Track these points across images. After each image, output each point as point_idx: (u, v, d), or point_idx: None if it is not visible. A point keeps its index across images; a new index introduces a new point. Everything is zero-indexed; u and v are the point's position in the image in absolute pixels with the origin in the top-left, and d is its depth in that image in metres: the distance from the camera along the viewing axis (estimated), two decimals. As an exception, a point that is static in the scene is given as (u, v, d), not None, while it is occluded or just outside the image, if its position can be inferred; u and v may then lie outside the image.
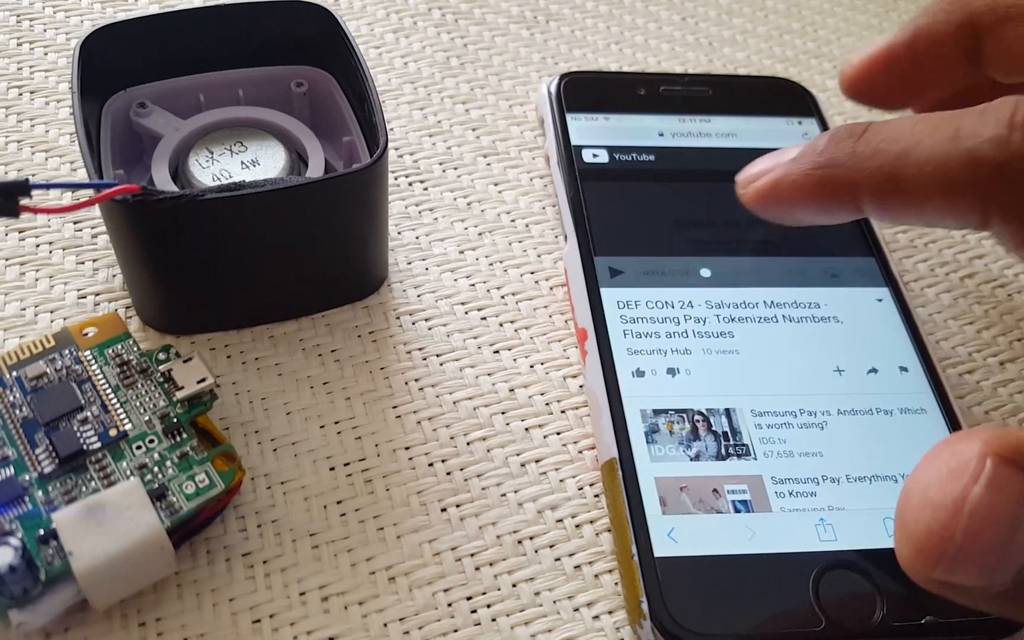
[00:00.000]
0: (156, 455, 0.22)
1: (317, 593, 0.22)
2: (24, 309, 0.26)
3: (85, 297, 0.27)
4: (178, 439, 0.22)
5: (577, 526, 0.24)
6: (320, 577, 0.23)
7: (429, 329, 0.28)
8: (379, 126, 0.25)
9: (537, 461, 0.25)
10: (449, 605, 0.23)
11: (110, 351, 0.23)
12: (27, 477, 0.21)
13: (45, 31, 0.34)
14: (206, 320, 0.26)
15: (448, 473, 0.25)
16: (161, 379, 0.23)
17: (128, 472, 0.21)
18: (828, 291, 0.28)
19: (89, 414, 0.22)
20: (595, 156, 0.31)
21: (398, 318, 0.28)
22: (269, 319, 0.27)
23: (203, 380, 0.23)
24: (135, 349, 0.24)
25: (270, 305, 0.27)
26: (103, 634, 0.21)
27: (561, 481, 0.25)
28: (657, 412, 0.25)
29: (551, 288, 0.29)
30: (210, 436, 0.23)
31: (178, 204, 0.23)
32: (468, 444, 0.25)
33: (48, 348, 0.23)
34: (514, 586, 0.23)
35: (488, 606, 0.23)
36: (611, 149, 0.32)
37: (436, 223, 0.30)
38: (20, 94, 0.32)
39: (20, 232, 0.28)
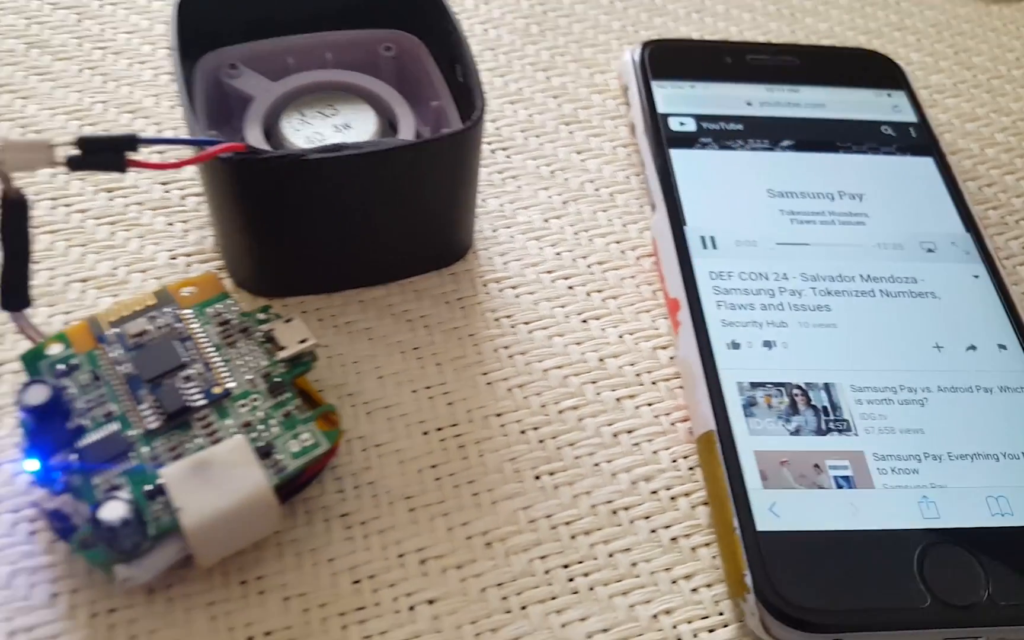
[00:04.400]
0: (260, 413, 0.22)
1: (415, 555, 0.22)
2: (116, 269, 0.26)
3: (176, 258, 0.27)
4: (281, 398, 0.22)
5: (672, 498, 0.24)
6: (417, 540, 0.23)
7: (516, 297, 0.27)
8: (475, 90, 0.25)
9: (629, 431, 0.25)
10: (546, 572, 0.22)
11: (210, 310, 0.23)
12: (132, 433, 0.21)
13: (127, -8, 0.34)
14: (298, 283, 0.26)
15: (540, 441, 0.25)
16: (262, 339, 0.23)
17: (233, 430, 0.21)
18: (924, 266, 0.28)
19: (192, 372, 0.22)
20: (682, 124, 0.31)
21: (485, 285, 0.27)
22: (358, 284, 0.27)
23: (304, 340, 0.23)
24: (235, 309, 0.23)
25: (360, 269, 0.26)
26: (205, 591, 0.21)
27: (654, 453, 0.25)
28: (754, 385, 0.24)
29: (637, 258, 0.29)
30: (308, 397, 0.23)
31: (282, 164, 0.23)
32: (559, 413, 0.25)
33: (148, 306, 0.23)
34: (610, 556, 0.23)
35: (585, 575, 0.23)
36: (698, 117, 0.31)
37: (519, 191, 0.30)
38: (104, 55, 0.32)
39: (109, 192, 0.28)
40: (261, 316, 0.23)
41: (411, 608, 0.22)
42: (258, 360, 0.23)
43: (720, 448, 0.23)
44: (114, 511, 0.19)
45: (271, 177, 0.23)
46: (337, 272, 0.26)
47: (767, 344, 0.25)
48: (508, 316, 0.27)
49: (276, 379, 0.22)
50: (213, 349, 0.23)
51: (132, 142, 0.21)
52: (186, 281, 0.24)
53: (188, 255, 0.27)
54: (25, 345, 0.23)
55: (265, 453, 0.21)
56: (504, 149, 0.31)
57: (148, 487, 0.20)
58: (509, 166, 0.31)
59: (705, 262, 0.27)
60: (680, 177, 0.29)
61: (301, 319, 0.23)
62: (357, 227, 0.25)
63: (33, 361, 0.22)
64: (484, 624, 0.22)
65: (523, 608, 0.22)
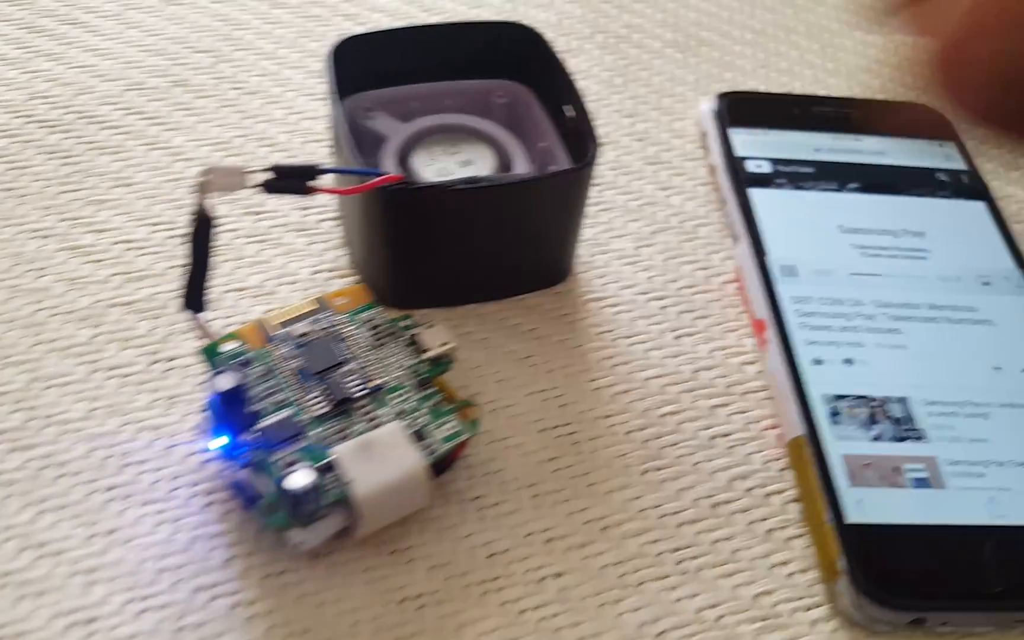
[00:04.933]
0: (410, 405, 0.25)
1: (540, 535, 0.25)
2: (265, 281, 0.30)
3: (317, 273, 0.30)
4: (427, 392, 0.25)
5: (766, 495, 0.27)
6: (541, 522, 0.25)
7: (615, 314, 0.30)
8: (588, 133, 0.28)
9: (724, 435, 0.28)
10: (657, 555, 0.25)
11: (361, 317, 0.26)
12: (303, 418, 0.24)
13: (255, 40, 0.38)
14: (428, 296, 0.29)
15: (644, 441, 0.28)
16: (407, 342, 0.26)
17: (389, 417, 0.24)
18: (982, 297, 0.31)
19: (350, 367, 0.25)
20: (759, 167, 0.34)
21: (586, 304, 0.31)
22: (477, 299, 0.30)
23: (446, 343, 0.26)
24: (383, 316, 0.27)
25: (480, 286, 0.30)
26: (361, 559, 0.24)
27: (748, 455, 0.28)
28: (838, 397, 0.27)
29: (722, 283, 0.32)
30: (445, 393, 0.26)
31: (430, 193, 0.26)
32: (660, 417, 0.28)
33: (308, 312, 0.26)
34: (713, 543, 0.26)
35: (693, 559, 0.25)
36: (773, 160, 0.34)
37: (611, 222, 0.33)
38: (238, 95, 0.35)
39: (256, 215, 0.31)
40: (405, 323, 0.27)
41: (540, 580, 0.24)
42: (405, 360, 0.26)
43: (811, 451, 0.26)
44: (300, 480, 0.22)
45: (419, 204, 0.26)
46: (460, 287, 0.29)
47: (847, 361, 0.28)
48: (609, 331, 0.30)
49: (422, 376, 0.25)
50: (367, 349, 0.26)
51: (313, 171, 0.24)
52: (339, 292, 0.27)
53: (330, 270, 0.30)
54: (190, 345, 0.26)
55: (418, 438, 0.24)
56: (596, 185, 0.34)
57: (320, 463, 0.23)
58: (601, 200, 0.34)
59: (787, 288, 0.30)
60: (760, 213, 0.32)
61: (441, 325, 0.26)
62: (481, 249, 0.28)
63: (211, 355, 0.25)
64: (606, 597, 0.24)
65: (639, 585, 0.25)
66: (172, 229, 0.31)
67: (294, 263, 0.30)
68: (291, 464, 0.23)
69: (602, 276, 0.31)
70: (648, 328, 0.30)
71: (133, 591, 0.23)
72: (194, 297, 0.24)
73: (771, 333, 0.29)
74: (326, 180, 0.25)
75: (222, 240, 0.30)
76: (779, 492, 0.27)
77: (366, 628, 0.23)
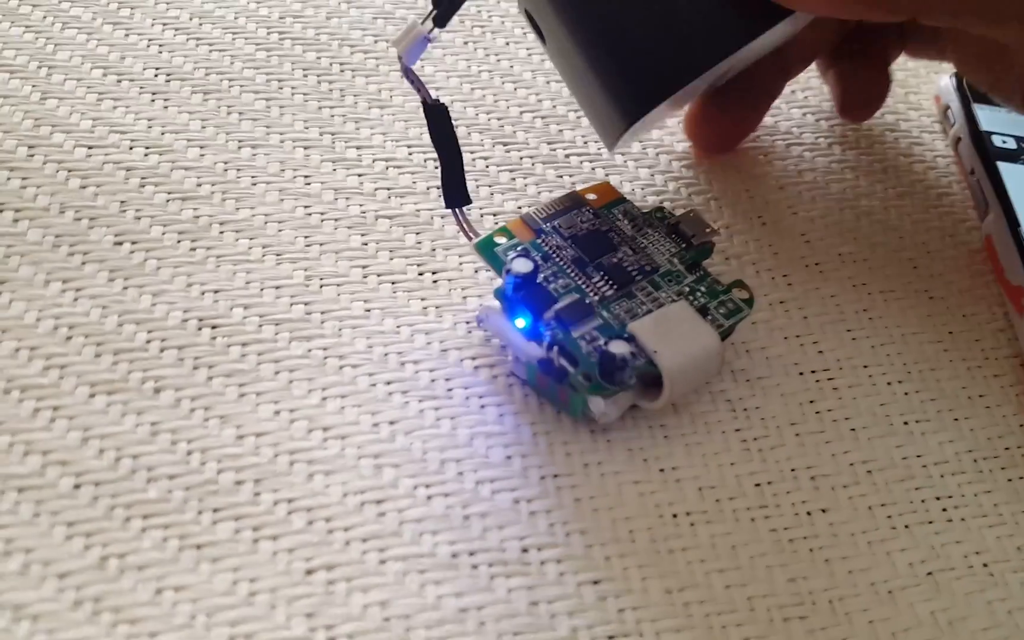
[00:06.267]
0: (686, 287, 0.26)
1: (805, 472, 0.26)
2: (513, 178, 0.31)
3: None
4: (698, 274, 0.26)
5: (1023, 455, 0.27)
6: (805, 460, 0.26)
7: (869, 269, 0.30)
8: None
9: (981, 396, 0.28)
10: (922, 502, 0.25)
11: (616, 211, 0.28)
12: (592, 300, 0.25)
13: None
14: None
15: (905, 394, 0.27)
16: (666, 231, 0.27)
17: (669, 297, 0.26)
18: None
19: (623, 254, 0.26)
20: (1004, 142, 0.34)
21: (840, 257, 0.31)
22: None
23: (708, 229, 0.27)
24: (635, 208, 0.28)
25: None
26: (631, 472, 0.25)
27: (1004, 417, 0.28)
28: (1104, 365, 0.27)
29: (969, 252, 0.32)
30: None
31: None
32: (919, 373, 0.28)
33: (567, 206, 0.27)
34: (975, 496, 0.26)
35: (955, 507, 0.25)
36: (1017, 138, 0.34)
37: (858, 181, 0.33)
38: (482, 33, 0.36)
39: (505, 146, 0.32)
40: (659, 214, 0.28)
41: (808, 514, 0.25)
42: (669, 247, 0.27)
43: (1082, 415, 0.26)
44: (621, 347, 0.24)
45: None
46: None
47: (1111, 332, 0.28)
48: (864, 284, 0.30)
49: (688, 260, 0.27)
50: (631, 239, 0.27)
51: None
52: (589, 188, 0.28)
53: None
54: (455, 260, 0.28)
55: (702, 313, 0.25)
56: (840, 144, 0.34)
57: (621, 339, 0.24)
58: (844, 159, 0.34)
59: (1044, 259, 0.30)
60: (1010, 185, 0.32)
61: (696, 211, 0.28)
62: None
63: (487, 249, 0.26)
64: (873, 535, 0.25)
65: (906, 527, 0.25)
66: (429, 152, 0.32)
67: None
68: (593, 341, 0.24)
69: (852, 230, 0.31)
70: (902, 287, 0.30)
71: (419, 477, 0.24)
72: (454, 191, 0.26)
73: (1031, 301, 0.29)
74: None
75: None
76: (1038, 460, 0.27)
77: (642, 537, 0.24)
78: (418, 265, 0.28)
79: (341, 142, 0.32)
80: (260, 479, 0.23)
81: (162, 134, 0.31)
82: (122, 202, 0.29)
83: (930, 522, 0.25)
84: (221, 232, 0.28)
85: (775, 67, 0.31)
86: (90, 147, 0.29)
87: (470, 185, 0.27)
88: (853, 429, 0.26)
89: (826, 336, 0.28)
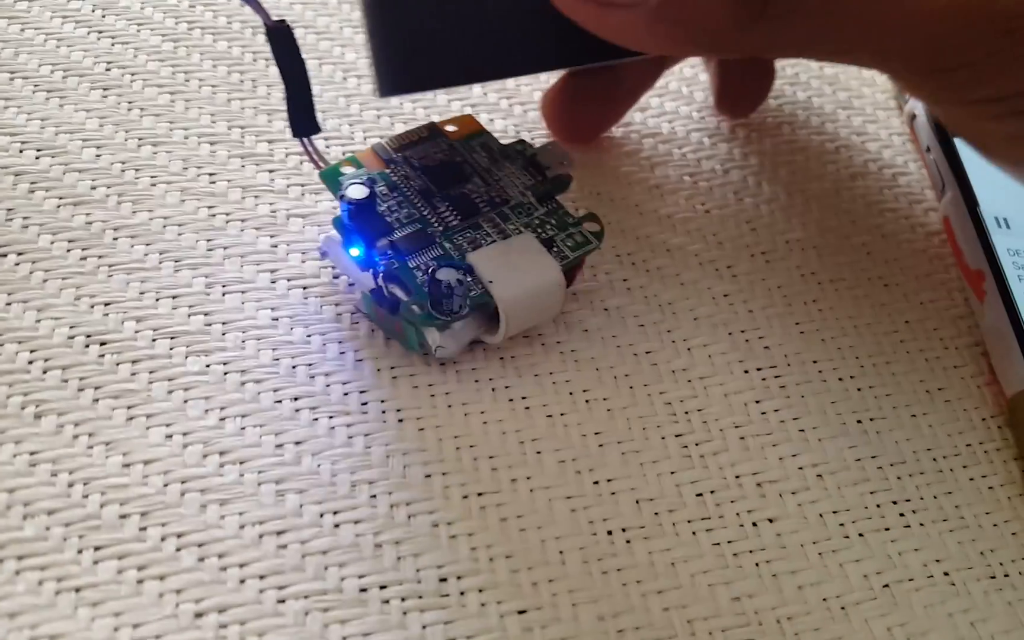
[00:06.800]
0: (536, 219, 0.25)
1: (750, 478, 0.23)
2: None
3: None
4: (550, 206, 0.25)
5: (986, 453, 0.25)
6: (750, 465, 0.24)
7: (819, 258, 0.28)
8: None
9: (940, 390, 0.26)
10: (878, 506, 0.23)
11: (474, 142, 0.27)
12: (432, 230, 0.24)
13: None
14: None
15: (858, 390, 0.26)
16: (523, 164, 0.26)
17: (517, 229, 0.25)
18: None
19: (472, 185, 0.25)
20: (961, 116, 0.32)
21: (787, 245, 0.29)
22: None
23: (563, 162, 0.26)
24: (494, 140, 0.27)
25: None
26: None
27: (965, 411, 0.26)
28: (1067, 351, 0.25)
29: (926, 235, 0.30)
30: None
31: None
32: (873, 366, 0.26)
33: (423, 138, 0.26)
34: (935, 498, 0.24)
35: (914, 512, 0.23)
36: (976, 111, 0.32)
37: (808, 163, 0.31)
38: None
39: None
40: (519, 146, 0.27)
41: (754, 524, 0.23)
42: (524, 179, 0.26)
43: (1039, 407, 0.24)
44: (448, 275, 0.23)
45: None
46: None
47: (1075, 316, 0.26)
48: (813, 273, 0.28)
49: (542, 193, 0.26)
50: (485, 170, 0.26)
51: None
52: (448, 120, 0.27)
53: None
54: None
55: (548, 246, 0.24)
56: (789, 124, 0.32)
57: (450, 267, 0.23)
58: (794, 139, 0.32)
59: (1002, 239, 0.28)
60: (967, 164, 0.30)
61: (557, 145, 0.27)
62: None
63: (332, 178, 0.25)
64: (824, 546, 0.23)
65: (860, 535, 0.23)
66: (351, 144, 0.30)
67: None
68: (429, 270, 0.23)
69: (801, 216, 0.29)
70: (855, 275, 0.28)
71: (327, 503, 0.22)
72: (302, 119, 0.24)
73: (989, 284, 0.27)
74: None
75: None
76: (998, 450, 0.25)
77: (573, 558, 0.22)
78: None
79: (251, 136, 0.29)
80: (147, 511, 0.21)
81: (56, 135, 0.28)
82: (8, 210, 0.26)
83: (886, 529, 0.23)
84: (115, 239, 0.26)
85: (649, 61, 0.28)
86: (-28, 152, 0.27)
87: (319, 118, 0.25)
88: (802, 430, 0.24)
89: (772, 330, 0.26)
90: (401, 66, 0.23)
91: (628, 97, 0.29)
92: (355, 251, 0.24)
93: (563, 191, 0.26)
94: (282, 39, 0.23)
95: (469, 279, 0.23)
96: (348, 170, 0.25)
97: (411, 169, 0.26)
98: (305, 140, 0.24)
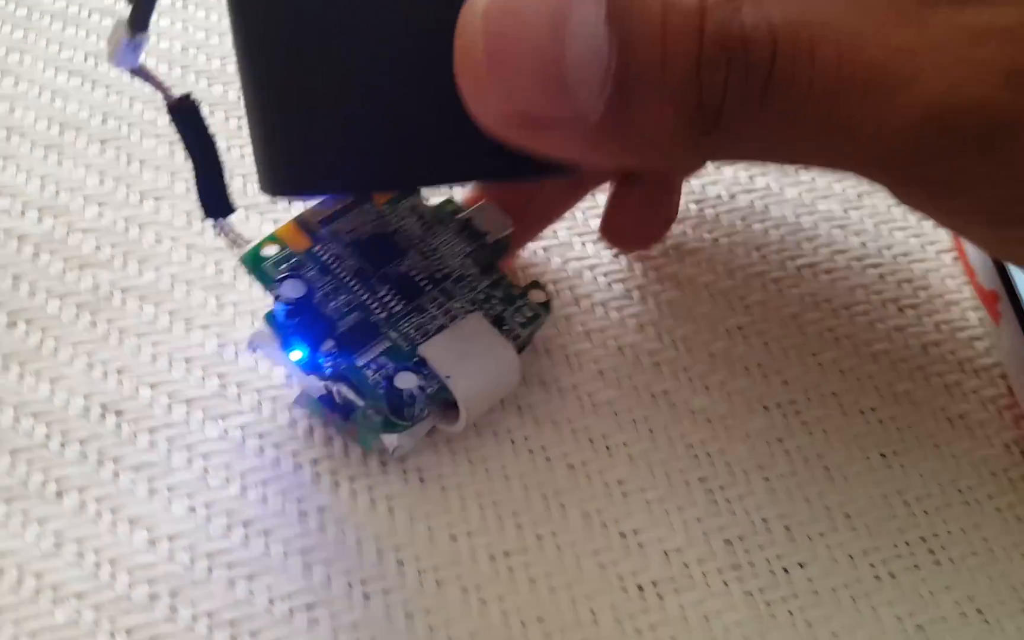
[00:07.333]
0: (482, 294, 0.24)
1: (777, 520, 0.23)
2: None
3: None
4: (495, 277, 0.24)
5: (1010, 480, 0.25)
6: (776, 507, 0.24)
7: (831, 281, 0.28)
8: None
9: (961, 417, 0.26)
10: (907, 543, 0.23)
11: (401, 207, 0.25)
12: (375, 319, 0.23)
13: None
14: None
15: (880, 422, 0.25)
16: (459, 227, 0.25)
17: (463, 307, 0.23)
18: None
19: (411, 260, 0.24)
20: (967, 127, 0.31)
21: (799, 270, 0.28)
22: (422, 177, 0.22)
23: (504, 226, 0.24)
24: (424, 202, 0.25)
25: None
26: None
27: (987, 436, 0.25)
28: (1090, 373, 0.25)
29: (937, 252, 0.29)
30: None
31: None
32: (894, 395, 0.26)
33: (348, 206, 0.24)
34: (963, 531, 0.24)
35: (942, 547, 0.23)
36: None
37: (815, 182, 0.31)
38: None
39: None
40: (451, 208, 0.25)
41: (785, 570, 0.23)
42: (461, 246, 0.24)
43: (1068, 432, 0.24)
44: (408, 382, 0.21)
45: None
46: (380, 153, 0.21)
47: (1095, 337, 0.26)
48: (827, 300, 0.28)
49: (484, 262, 0.24)
50: (419, 240, 0.24)
51: None
52: None
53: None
54: None
55: (497, 324, 0.23)
56: (793, 145, 0.32)
57: (412, 363, 0.22)
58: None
59: (1016, 258, 0.28)
60: (976, 176, 0.30)
61: (492, 205, 0.25)
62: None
63: (253, 263, 0.23)
64: (856, 589, 0.22)
65: (891, 575, 0.23)
66: (272, 211, 0.29)
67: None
68: (381, 368, 0.22)
69: (811, 239, 0.29)
70: (869, 297, 0.28)
71: (353, 574, 0.22)
72: (213, 199, 0.21)
73: (1005, 306, 0.27)
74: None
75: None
76: (1023, 476, 0.25)
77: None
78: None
79: (253, 185, 0.29)
80: (176, 591, 0.21)
81: (56, 194, 0.28)
82: (15, 276, 0.26)
83: (916, 567, 0.23)
84: (123, 301, 0.26)
85: (563, 186, 0.26)
86: (-27, 218, 0.27)
87: (234, 182, 0.23)
88: (827, 467, 0.24)
89: (790, 363, 0.26)
90: (289, 167, 0.20)
91: (539, 224, 0.27)
92: (297, 354, 0.22)
93: (503, 256, 0.25)
94: (187, 116, 0.21)
95: (425, 372, 0.22)
96: (271, 251, 0.23)
97: (341, 247, 0.24)
98: (219, 222, 0.22)
